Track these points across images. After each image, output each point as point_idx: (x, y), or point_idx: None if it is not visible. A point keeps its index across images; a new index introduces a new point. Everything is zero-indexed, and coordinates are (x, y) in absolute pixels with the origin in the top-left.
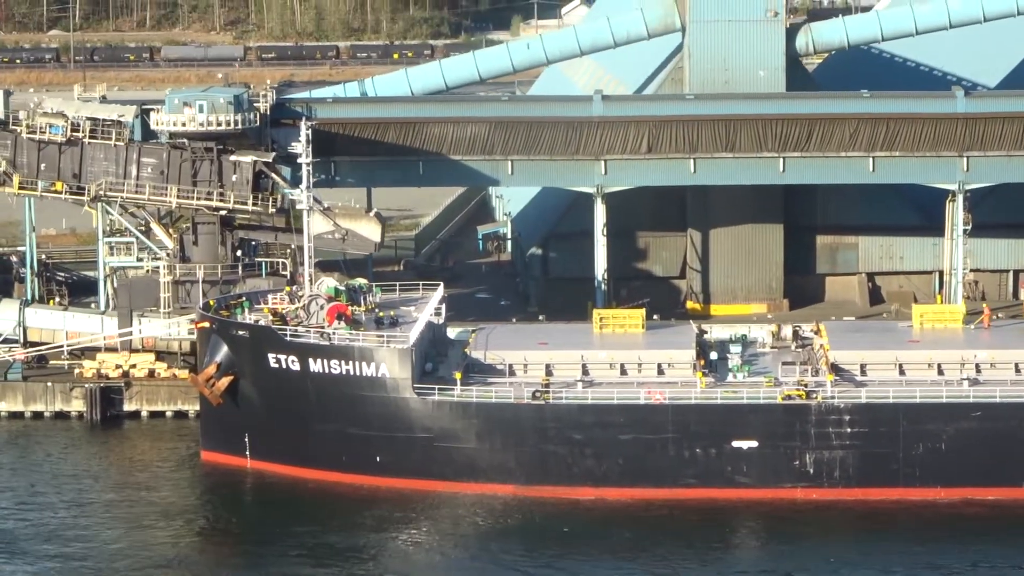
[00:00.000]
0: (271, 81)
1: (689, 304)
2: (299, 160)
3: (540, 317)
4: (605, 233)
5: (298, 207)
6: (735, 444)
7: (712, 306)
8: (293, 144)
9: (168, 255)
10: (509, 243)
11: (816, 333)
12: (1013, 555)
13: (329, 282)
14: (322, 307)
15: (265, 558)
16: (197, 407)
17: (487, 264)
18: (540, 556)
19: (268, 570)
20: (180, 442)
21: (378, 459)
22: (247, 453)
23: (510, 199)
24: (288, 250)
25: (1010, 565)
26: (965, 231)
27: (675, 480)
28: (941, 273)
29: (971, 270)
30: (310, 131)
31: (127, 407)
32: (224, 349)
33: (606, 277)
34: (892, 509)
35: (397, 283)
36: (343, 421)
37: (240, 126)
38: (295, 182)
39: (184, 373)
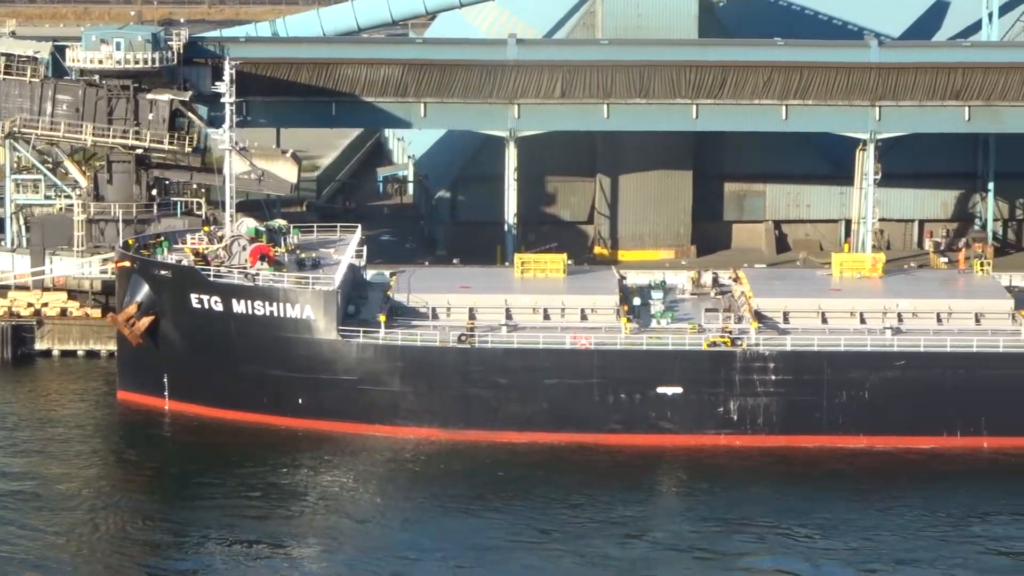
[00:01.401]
0: (149, 18)
1: (597, 249)
2: (223, 99)
3: (455, 260)
4: (516, 177)
5: (220, 147)
6: (660, 390)
7: (620, 251)
8: (217, 83)
9: (82, 193)
10: (410, 185)
11: (735, 280)
12: (931, 503)
13: (249, 223)
14: (244, 248)
15: (207, 498)
16: (109, 347)
17: (388, 206)
18: (474, 500)
19: (206, 511)
20: (93, 382)
21: (300, 401)
22: (165, 394)
23: (411, 141)
24: (196, 187)
25: (934, 511)
26: (875, 180)
27: (600, 425)
28: (848, 222)
29: (878, 219)
30: (234, 70)
31: (38, 346)
32: (145, 289)
33: (516, 221)
34: (814, 456)
35: (315, 225)
36: (266, 362)
37: (158, 64)
38: (210, 122)
39: (96, 312)
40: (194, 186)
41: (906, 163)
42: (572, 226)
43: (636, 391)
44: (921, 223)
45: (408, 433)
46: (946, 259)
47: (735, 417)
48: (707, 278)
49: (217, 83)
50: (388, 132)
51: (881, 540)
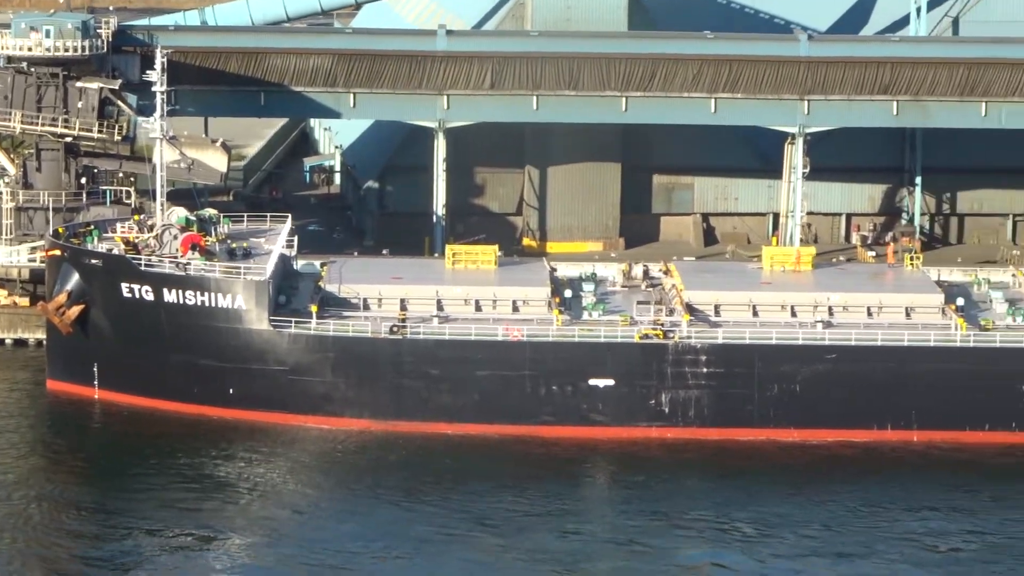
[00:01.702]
0: (74, 5)
1: (525, 241)
2: (154, 88)
3: (384, 251)
4: (444, 168)
5: (151, 136)
6: (592, 382)
7: (548, 243)
8: (148, 72)
9: (10, 181)
10: (337, 175)
11: (666, 273)
12: (866, 496)
13: (180, 212)
14: (176, 237)
15: (141, 489)
16: (37, 335)
17: (315, 196)
18: (408, 493)
19: (140, 502)
20: (21, 371)
21: (231, 391)
22: (95, 383)
23: (338, 131)
24: (124, 176)
25: (869, 504)
26: (803, 174)
27: (531, 417)
28: (776, 215)
29: (805, 213)
30: (165, 59)
31: None
32: (75, 278)
33: (444, 212)
34: (747, 450)
35: (245, 214)
36: (196, 352)
37: (87, 52)
38: (139, 110)
39: (24, 300)
40: (121, 174)
41: (834, 157)
42: (501, 217)
43: (568, 383)
44: (848, 217)
45: (340, 424)
46: (873, 253)
47: (667, 410)
48: (638, 271)
49: (148, 72)
50: (314, 122)
51: (816, 534)
